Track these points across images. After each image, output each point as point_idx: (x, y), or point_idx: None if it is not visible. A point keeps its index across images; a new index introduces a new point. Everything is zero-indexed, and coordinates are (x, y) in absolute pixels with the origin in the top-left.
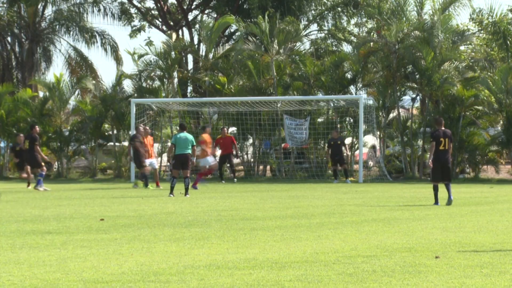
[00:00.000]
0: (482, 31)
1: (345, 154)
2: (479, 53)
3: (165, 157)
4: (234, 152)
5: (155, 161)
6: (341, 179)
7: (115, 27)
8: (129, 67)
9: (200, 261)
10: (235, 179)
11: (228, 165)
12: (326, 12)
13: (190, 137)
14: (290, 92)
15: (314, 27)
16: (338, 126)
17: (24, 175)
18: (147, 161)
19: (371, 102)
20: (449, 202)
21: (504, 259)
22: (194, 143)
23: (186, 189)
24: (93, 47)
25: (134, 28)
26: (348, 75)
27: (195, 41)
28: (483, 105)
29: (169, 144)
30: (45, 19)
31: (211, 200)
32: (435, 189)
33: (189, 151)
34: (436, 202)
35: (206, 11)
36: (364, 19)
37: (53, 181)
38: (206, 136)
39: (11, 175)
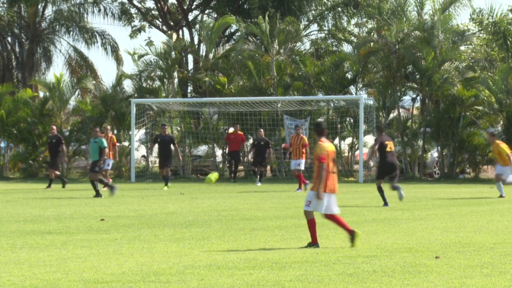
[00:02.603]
0: (482, 31)
1: (271, 156)
2: (479, 53)
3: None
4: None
5: (111, 161)
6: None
7: (115, 27)
8: (129, 67)
9: (200, 261)
10: (234, 180)
11: (233, 162)
12: (326, 12)
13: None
14: (290, 92)
15: (314, 27)
16: (339, 126)
17: (57, 172)
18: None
19: (371, 102)
20: (400, 196)
21: (504, 259)
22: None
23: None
24: (93, 47)
25: (134, 28)
26: (348, 75)
27: (195, 41)
28: (483, 105)
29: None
30: (45, 19)
31: (211, 200)
32: (381, 191)
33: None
34: (386, 204)
35: (206, 11)
36: (364, 19)
37: (53, 181)
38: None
39: (11, 175)
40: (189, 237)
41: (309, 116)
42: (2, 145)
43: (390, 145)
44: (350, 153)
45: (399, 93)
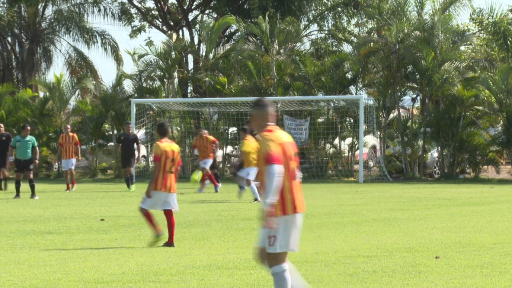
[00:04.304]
0: (482, 31)
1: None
2: (480, 53)
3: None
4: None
5: (74, 161)
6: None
7: (115, 27)
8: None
9: (200, 261)
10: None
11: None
12: (326, 12)
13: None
14: (290, 92)
15: (314, 27)
16: (339, 126)
17: (6, 172)
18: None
19: (371, 102)
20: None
21: (504, 259)
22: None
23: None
24: (93, 47)
25: (134, 28)
26: (349, 75)
27: (195, 41)
28: (483, 105)
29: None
30: (45, 19)
31: (212, 200)
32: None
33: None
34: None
35: (207, 11)
36: (364, 19)
37: (53, 181)
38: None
39: (11, 175)
40: (189, 237)
41: (309, 116)
42: None
43: None
44: (350, 153)
45: (399, 93)
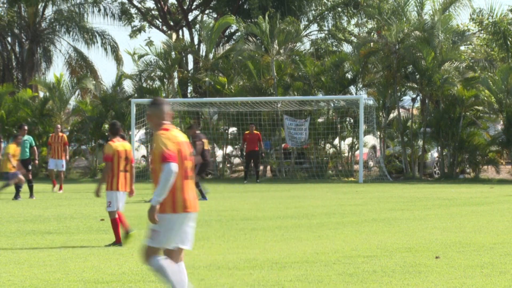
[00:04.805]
0: (482, 31)
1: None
2: (480, 53)
3: None
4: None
5: (64, 163)
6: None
7: (115, 27)
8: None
9: (200, 261)
10: (258, 180)
11: (252, 164)
12: (326, 12)
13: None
14: (290, 92)
15: (314, 27)
16: (339, 126)
17: None
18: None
19: (371, 102)
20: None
21: (504, 259)
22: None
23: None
24: (93, 47)
25: (134, 28)
26: (349, 75)
27: (195, 41)
28: (483, 105)
29: None
30: (45, 19)
31: (211, 200)
32: (199, 186)
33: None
34: (204, 197)
35: (206, 11)
36: (364, 19)
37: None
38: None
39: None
40: None
41: (309, 116)
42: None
43: None
44: (350, 153)
45: (399, 93)
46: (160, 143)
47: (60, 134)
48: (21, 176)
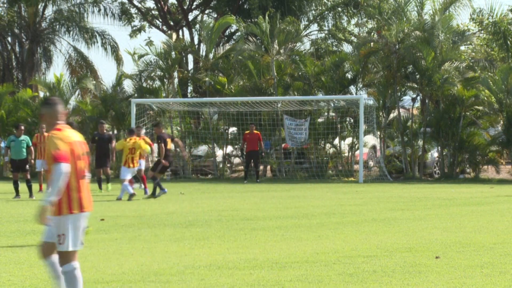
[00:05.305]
0: (482, 31)
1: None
2: (480, 53)
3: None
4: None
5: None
6: None
7: (115, 27)
8: (130, 67)
9: (200, 261)
10: (258, 180)
11: (252, 164)
12: (326, 12)
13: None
14: (290, 92)
15: (314, 27)
16: (339, 126)
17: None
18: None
19: (371, 102)
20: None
21: (504, 259)
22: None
23: None
24: (93, 47)
25: (134, 28)
26: (349, 75)
27: (195, 41)
28: (483, 105)
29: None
30: (45, 19)
31: (212, 200)
32: (156, 180)
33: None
34: (163, 190)
35: (207, 11)
36: (364, 19)
37: None
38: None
39: (11, 175)
40: (189, 237)
41: (309, 116)
42: (2, 145)
43: None
44: (350, 153)
45: (399, 93)
46: (51, 144)
47: (46, 134)
48: None
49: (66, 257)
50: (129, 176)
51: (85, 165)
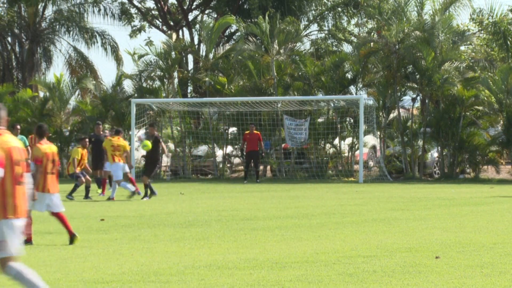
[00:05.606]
0: (482, 31)
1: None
2: (480, 53)
3: (165, 157)
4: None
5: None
6: None
7: (115, 27)
8: (129, 67)
9: (200, 261)
10: (258, 180)
11: (252, 164)
12: (326, 12)
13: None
14: (290, 92)
15: (314, 27)
16: (339, 126)
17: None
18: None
19: (371, 102)
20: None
21: (504, 259)
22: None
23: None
24: (93, 47)
25: (134, 28)
26: (349, 75)
27: (195, 41)
28: (483, 105)
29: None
30: (45, 19)
31: (211, 200)
32: (149, 185)
33: None
34: (154, 192)
35: (207, 11)
36: (364, 19)
37: None
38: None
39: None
40: (189, 237)
41: (309, 116)
42: None
43: None
44: (350, 153)
45: (399, 93)
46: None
47: (30, 136)
48: (87, 177)
49: (7, 262)
50: (121, 174)
51: (23, 171)
